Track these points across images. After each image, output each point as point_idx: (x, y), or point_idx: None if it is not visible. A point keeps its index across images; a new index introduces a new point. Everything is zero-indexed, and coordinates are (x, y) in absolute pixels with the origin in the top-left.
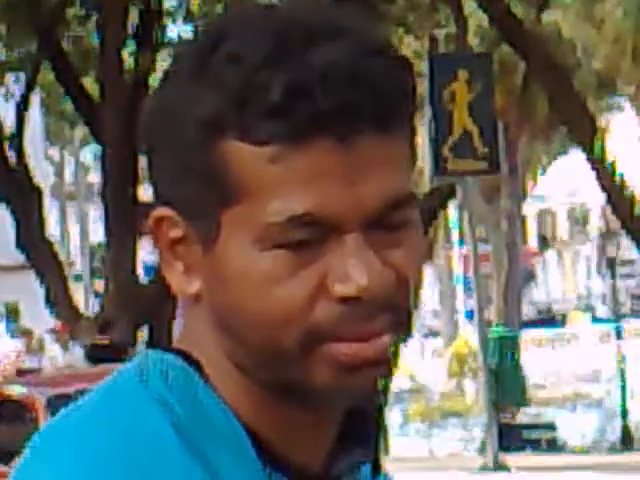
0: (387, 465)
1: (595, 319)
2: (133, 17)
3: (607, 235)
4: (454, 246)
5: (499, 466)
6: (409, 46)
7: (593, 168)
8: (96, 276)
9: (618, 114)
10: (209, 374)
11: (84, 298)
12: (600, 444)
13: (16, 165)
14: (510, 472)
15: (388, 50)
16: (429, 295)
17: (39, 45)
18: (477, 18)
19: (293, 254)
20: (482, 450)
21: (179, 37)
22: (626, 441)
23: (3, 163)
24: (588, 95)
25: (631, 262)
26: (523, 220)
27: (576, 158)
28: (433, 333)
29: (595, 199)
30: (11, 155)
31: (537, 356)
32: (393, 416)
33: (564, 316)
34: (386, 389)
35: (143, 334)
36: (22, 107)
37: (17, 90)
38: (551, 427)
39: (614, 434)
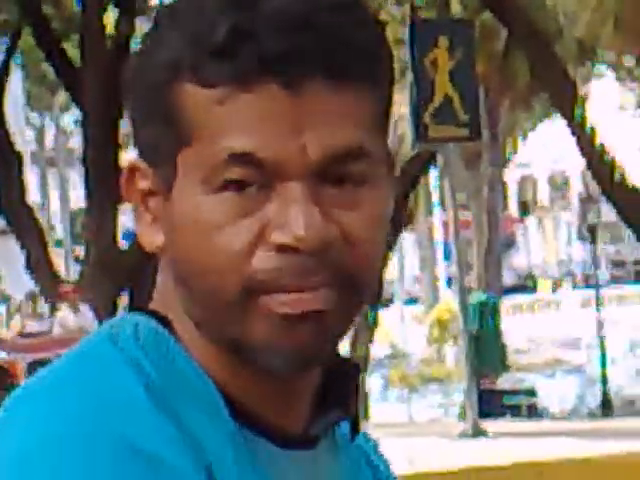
0: (367, 430)
1: (575, 286)
2: None
3: (587, 201)
4: (435, 212)
5: (478, 432)
6: (389, 12)
7: (573, 134)
8: (77, 242)
9: (599, 81)
10: (178, 332)
11: (64, 264)
12: (580, 410)
13: None
14: (489, 438)
15: (352, 7)
16: (409, 261)
17: (20, 10)
18: None
19: (238, 199)
20: (462, 416)
21: (161, 2)
22: (606, 407)
23: None
24: (569, 62)
25: (611, 228)
26: (504, 186)
27: (557, 125)
28: (413, 299)
29: (576, 166)
30: None
31: (517, 322)
32: (373, 382)
33: (534, 282)
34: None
35: (124, 299)
36: (3, 72)
37: None
38: (531, 393)
39: (594, 400)
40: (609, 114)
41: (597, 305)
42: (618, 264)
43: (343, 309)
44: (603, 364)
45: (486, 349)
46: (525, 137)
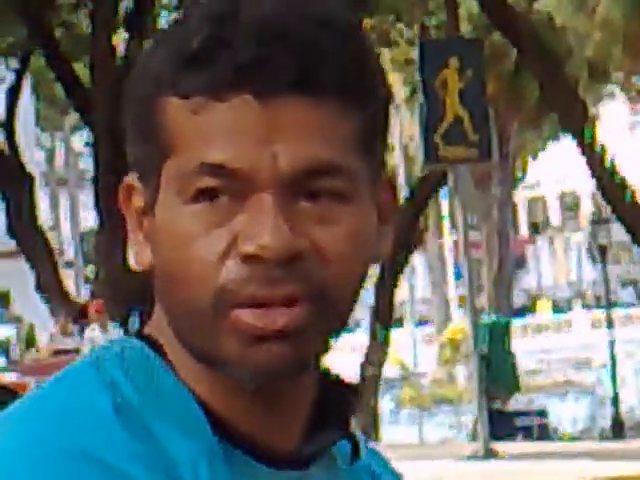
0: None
1: (585, 306)
2: (126, 4)
3: (598, 222)
4: (445, 233)
5: (489, 453)
6: (400, 33)
7: (583, 154)
8: (87, 262)
9: (609, 101)
10: (167, 351)
11: (75, 284)
12: (591, 431)
13: (7, 152)
14: (500, 459)
15: (337, 23)
16: (420, 282)
17: (30, 31)
18: (468, 5)
19: (210, 209)
20: (473, 437)
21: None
22: (617, 428)
23: None
24: (579, 82)
25: (622, 248)
26: (514, 207)
27: (567, 145)
28: (424, 320)
29: (586, 186)
30: (2, 142)
31: (529, 343)
32: (384, 403)
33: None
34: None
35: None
36: (13, 93)
37: (8, 76)
38: (542, 414)
39: (605, 421)
40: (619, 134)
41: (608, 326)
42: (629, 284)
43: (316, 326)
44: (614, 385)
45: (497, 370)
46: (535, 157)
